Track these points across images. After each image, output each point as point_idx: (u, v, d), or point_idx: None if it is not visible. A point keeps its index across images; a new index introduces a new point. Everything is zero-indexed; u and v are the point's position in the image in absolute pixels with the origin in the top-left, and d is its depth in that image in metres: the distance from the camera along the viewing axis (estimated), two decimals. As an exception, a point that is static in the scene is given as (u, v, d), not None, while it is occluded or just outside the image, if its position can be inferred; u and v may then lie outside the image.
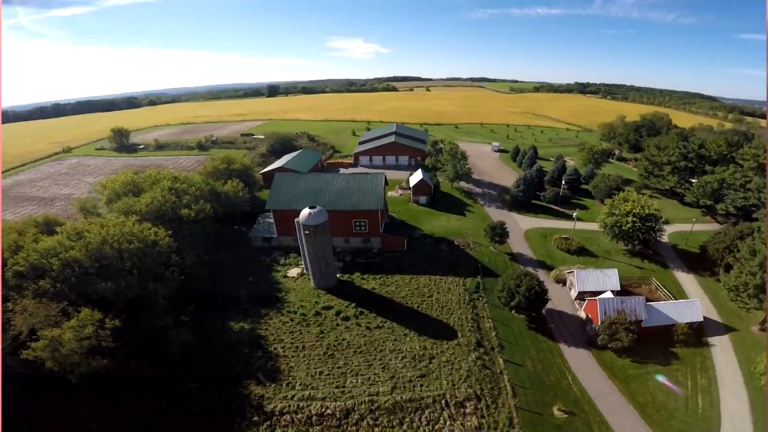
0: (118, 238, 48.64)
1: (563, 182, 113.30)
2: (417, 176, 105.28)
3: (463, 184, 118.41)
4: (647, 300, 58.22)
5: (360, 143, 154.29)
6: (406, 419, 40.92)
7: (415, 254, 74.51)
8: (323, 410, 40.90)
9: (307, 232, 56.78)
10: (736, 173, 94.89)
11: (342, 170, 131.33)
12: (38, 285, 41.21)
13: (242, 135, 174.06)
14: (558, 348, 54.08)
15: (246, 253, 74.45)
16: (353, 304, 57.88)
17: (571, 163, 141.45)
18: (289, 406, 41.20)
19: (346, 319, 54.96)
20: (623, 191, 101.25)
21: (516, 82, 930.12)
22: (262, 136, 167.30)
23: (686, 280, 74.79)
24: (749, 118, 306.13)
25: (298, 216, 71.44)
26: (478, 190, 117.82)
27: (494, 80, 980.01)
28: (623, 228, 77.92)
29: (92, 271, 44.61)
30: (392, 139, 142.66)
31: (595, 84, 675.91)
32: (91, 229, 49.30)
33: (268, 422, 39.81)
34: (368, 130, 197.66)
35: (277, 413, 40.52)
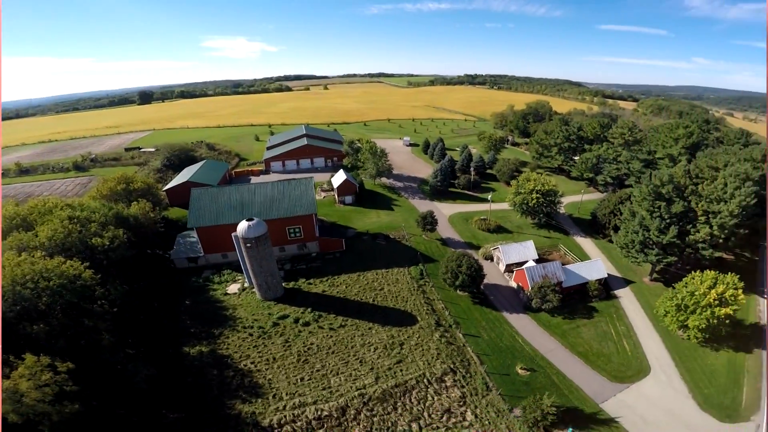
0: (31, 276, 43.51)
1: (472, 169, 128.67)
2: (340, 177, 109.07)
3: (384, 180, 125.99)
4: (562, 264, 71.97)
5: (268, 148, 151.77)
6: (398, 403, 45.60)
7: (355, 252, 78.74)
8: (319, 413, 43.06)
9: (249, 245, 56.79)
10: (609, 149, 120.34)
11: (253, 179, 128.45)
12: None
13: (127, 150, 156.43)
14: (502, 316, 64.15)
15: (172, 277, 70.48)
16: (309, 309, 59.85)
17: (474, 151, 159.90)
18: (285, 416, 42.44)
19: (307, 324, 56.82)
20: (522, 172, 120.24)
21: (412, 76, 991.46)
22: (153, 149, 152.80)
23: (585, 243, 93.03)
24: (610, 101, 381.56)
25: (225, 231, 71.03)
26: (399, 184, 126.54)
27: (392, 75, 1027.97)
28: (530, 204, 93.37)
29: (11, 315, 39.55)
30: (304, 141, 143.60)
31: (482, 75, 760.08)
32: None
33: (271, 436, 40.68)
34: (272, 134, 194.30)
35: (275, 426, 41.54)
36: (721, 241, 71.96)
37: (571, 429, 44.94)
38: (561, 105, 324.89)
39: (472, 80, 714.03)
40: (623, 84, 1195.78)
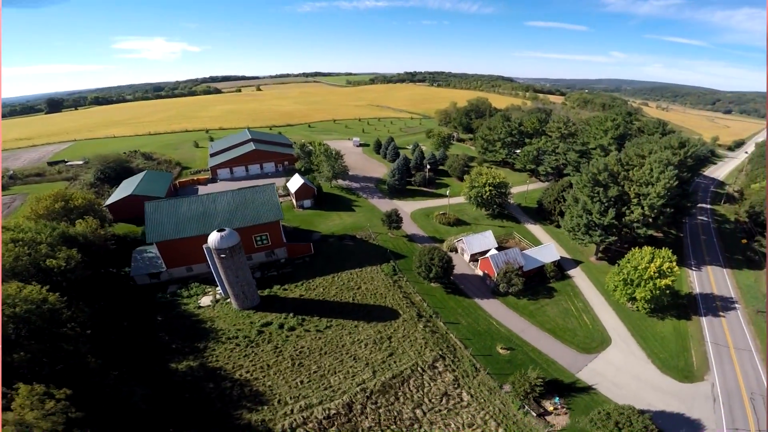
0: None
1: (427, 167, 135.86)
2: (297, 181, 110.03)
3: (341, 182, 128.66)
4: (520, 250, 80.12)
5: (212, 155, 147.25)
6: (399, 393, 49.33)
7: (324, 255, 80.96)
8: (327, 412, 45.27)
9: (223, 255, 57.08)
10: (547, 142, 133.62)
11: (201, 188, 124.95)
12: None
13: (50, 164, 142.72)
14: (475, 303, 70.57)
15: (135, 294, 68.15)
16: (291, 314, 61.31)
17: (424, 149, 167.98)
18: (295, 420, 44.06)
19: (292, 329, 58.38)
20: (471, 167, 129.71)
21: (351, 74, 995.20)
22: (81, 162, 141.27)
23: (534, 229, 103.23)
24: (541, 95, 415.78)
25: (188, 244, 70.35)
26: (356, 185, 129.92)
27: (329, 74, 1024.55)
28: (484, 197, 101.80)
29: None
30: (252, 146, 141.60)
31: (422, 73, 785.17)
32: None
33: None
34: (212, 140, 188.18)
35: (288, 430, 42.98)
36: (651, 220, 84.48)
37: (557, 398, 51.87)
38: (498, 101, 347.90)
39: (412, 78, 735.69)
40: (550, 78, 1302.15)
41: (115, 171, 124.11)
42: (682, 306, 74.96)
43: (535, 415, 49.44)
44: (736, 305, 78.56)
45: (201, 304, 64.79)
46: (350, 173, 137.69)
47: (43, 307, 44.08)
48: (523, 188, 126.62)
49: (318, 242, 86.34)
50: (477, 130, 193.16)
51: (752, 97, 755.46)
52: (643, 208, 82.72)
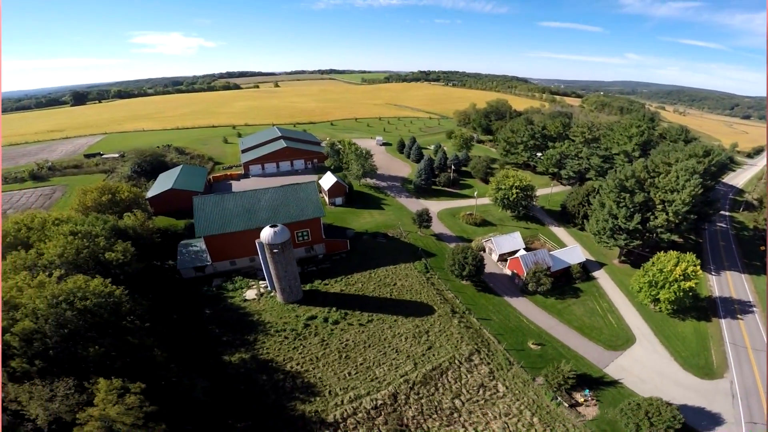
0: (65, 297, 44.26)
1: (452, 167, 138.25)
2: (329, 179, 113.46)
3: (369, 180, 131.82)
4: (547, 251, 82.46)
5: (243, 151, 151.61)
6: (438, 384, 52.62)
7: (359, 252, 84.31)
8: (375, 403, 48.52)
9: (276, 250, 60.58)
10: (570, 147, 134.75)
11: (234, 183, 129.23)
12: (10, 366, 36.17)
13: (87, 156, 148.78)
14: (504, 300, 73.50)
15: (181, 287, 71.63)
16: (333, 309, 64.68)
17: (446, 149, 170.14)
18: (345, 410, 47.32)
19: (336, 322, 61.82)
20: (493, 169, 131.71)
21: (365, 72, 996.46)
22: (116, 155, 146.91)
23: (558, 232, 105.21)
24: (558, 97, 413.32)
25: (233, 238, 74.17)
26: (383, 184, 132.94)
27: (343, 72, 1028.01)
28: (510, 199, 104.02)
29: (57, 338, 40.59)
30: (283, 144, 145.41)
31: (435, 72, 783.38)
32: (23, 295, 43.45)
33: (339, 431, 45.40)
34: (239, 136, 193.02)
35: (340, 420, 46.21)
36: (674, 226, 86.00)
37: (587, 390, 54.64)
38: (516, 102, 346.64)
39: (426, 77, 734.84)
40: (564, 80, 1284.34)
41: (151, 165, 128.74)
42: (702, 308, 76.80)
43: (567, 405, 52.33)
44: (754, 309, 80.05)
45: (246, 297, 68.19)
46: (378, 173, 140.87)
47: (110, 300, 47.43)
48: (547, 191, 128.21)
49: (353, 239, 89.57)
50: (497, 132, 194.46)
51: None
52: (667, 214, 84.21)
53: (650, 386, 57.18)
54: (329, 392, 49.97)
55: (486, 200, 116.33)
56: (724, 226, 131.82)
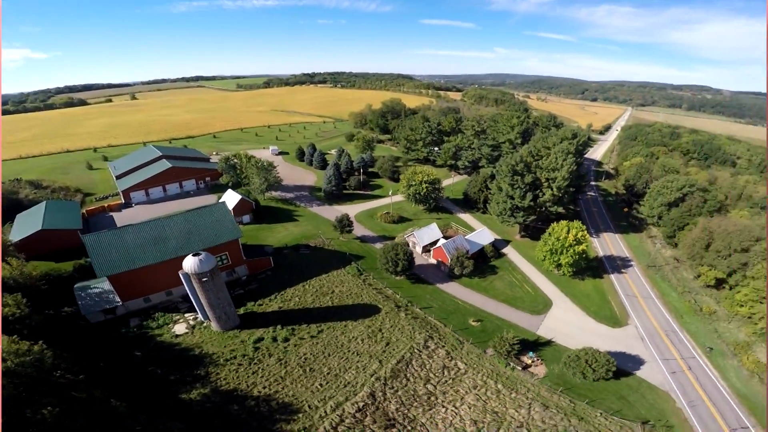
0: None
1: (360, 170, 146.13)
2: (233, 197, 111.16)
3: (274, 193, 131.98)
4: (463, 236, 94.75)
5: (118, 177, 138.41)
6: (407, 374, 58.69)
7: (286, 267, 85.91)
8: (357, 406, 52.17)
9: (205, 279, 59.66)
10: (463, 139, 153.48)
11: (115, 215, 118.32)
12: None
13: None
14: (437, 288, 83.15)
15: (92, 333, 65.97)
16: (278, 327, 65.99)
17: (347, 152, 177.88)
18: (332, 420, 49.97)
19: (286, 340, 63.40)
20: (398, 167, 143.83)
21: (240, 77, 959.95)
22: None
23: (466, 218, 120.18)
24: (442, 92, 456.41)
25: (144, 274, 70.86)
26: (290, 195, 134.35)
27: (214, 78, 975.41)
28: (422, 194, 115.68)
29: None
30: (166, 164, 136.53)
31: (321, 73, 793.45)
32: None
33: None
34: (106, 159, 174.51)
35: (330, 429, 48.63)
36: (559, 199, 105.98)
37: (531, 352, 66.15)
38: (408, 100, 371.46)
39: (311, 79, 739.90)
40: (444, 75, 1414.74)
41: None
42: (594, 267, 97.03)
43: (520, 369, 63.54)
44: (632, 262, 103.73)
45: (177, 333, 65.58)
46: (281, 184, 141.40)
47: (28, 358, 43.22)
48: (449, 182, 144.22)
49: (274, 255, 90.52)
50: (395, 131, 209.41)
51: (612, 86, 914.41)
52: (552, 189, 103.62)
53: (577, 340, 71.31)
54: (309, 407, 52.39)
55: (399, 197, 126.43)
56: (593, 194, 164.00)
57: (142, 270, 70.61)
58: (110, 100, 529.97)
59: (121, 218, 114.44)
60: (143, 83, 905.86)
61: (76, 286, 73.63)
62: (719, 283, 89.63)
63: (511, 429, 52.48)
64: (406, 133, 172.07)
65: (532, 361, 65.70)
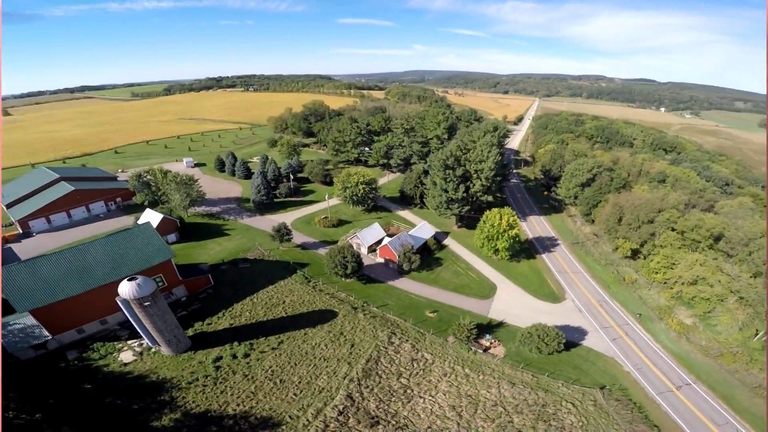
0: None
1: (291, 177, 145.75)
2: (154, 216, 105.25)
3: (198, 209, 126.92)
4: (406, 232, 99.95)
5: (9, 206, 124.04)
6: (379, 371, 62.07)
7: (227, 283, 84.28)
8: (337, 409, 54.27)
9: (147, 303, 57.40)
10: (394, 138, 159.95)
11: (13, 245, 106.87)
12: None
13: None
14: (389, 285, 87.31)
15: (25, 370, 61.22)
16: (235, 343, 65.51)
17: (271, 158, 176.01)
18: (317, 427, 51.47)
19: (247, 355, 63.25)
20: (329, 170, 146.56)
21: (134, 85, 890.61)
22: None
23: (404, 214, 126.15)
24: (365, 92, 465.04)
25: (71, 305, 67.33)
26: (216, 209, 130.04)
27: (102, 87, 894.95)
28: (359, 195, 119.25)
29: None
30: (67, 186, 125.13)
31: (229, 77, 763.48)
32: None
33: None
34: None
35: None
36: (487, 189, 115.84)
37: (488, 335, 72.31)
38: (330, 101, 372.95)
39: (218, 83, 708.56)
40: (364, 74, 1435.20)
41: None
42: (527, 249, 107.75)
43: (482, 351, 69.73)
44: (558, 241, 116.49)
45: (125, 361, 62.87)
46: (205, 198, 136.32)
47: None
48: (383, 180, 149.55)
49: (211, 272, 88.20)
50: (320, 134, 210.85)
51: (520, 78, 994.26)
52: (481, 180, 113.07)
53: (525, 318, 79.23)
54: (289, 417, 53.39)
55: (335, 201, 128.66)
56: (516, 181, 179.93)
57: (68, 301, 66.52)
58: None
59: (21, 249, 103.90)
60: (15, 97, 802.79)
61: (-11, 325, 66.37)
62: (635, 254, 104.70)
63: (487, 408, 58.06)
64: (333, 135, 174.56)
65: (491, 343, 72.24)
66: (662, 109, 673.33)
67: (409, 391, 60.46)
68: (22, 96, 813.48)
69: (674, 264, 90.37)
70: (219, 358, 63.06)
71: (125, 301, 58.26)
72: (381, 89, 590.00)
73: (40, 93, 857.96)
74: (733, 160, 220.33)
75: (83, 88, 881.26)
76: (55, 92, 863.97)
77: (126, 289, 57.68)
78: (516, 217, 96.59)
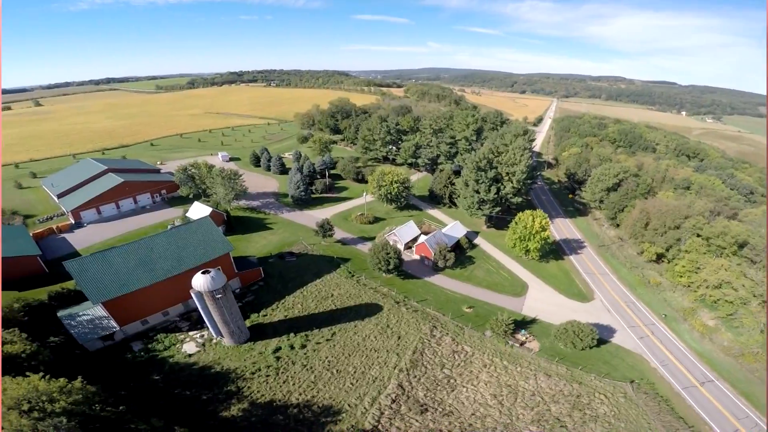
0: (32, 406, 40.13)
1: (326, 173, 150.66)
2: (203, 209, 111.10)
3: (240, 203, 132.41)
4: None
5: (60, 196, 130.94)
6: (424, 362, 66.71)
7: (276, 276, 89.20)
8: (390, 397, 58.97)
9: (219, 295, 62.27)
10: (422, 138, 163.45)
11: (67, 236, 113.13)
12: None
13: None
14: (426, 281, 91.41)
15: (95, 361, 65.58)
16: (291, 334, 70.24)
17: (303, 155, 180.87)
18: (373, 414, 56.25)
19: (303, 346, 67.89)
20: (359, 167, 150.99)
21: (158, 78, 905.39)
22: None
23: (435, 213, 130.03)
24: (384, 89, 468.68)
25: (138, 297, 71.93)
26: (256, 203, 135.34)
27: (126, 79, 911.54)
28: (393, 193, 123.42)
29: None
30: (116, 178, 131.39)
31: (249, 72, 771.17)
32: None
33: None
34: (35, 176, 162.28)
35: (375, 422, 54.95)
36: (517, 191, 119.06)
37: (523, 330, 76.33)
38: (355, 99, 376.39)
39: (239, 78, 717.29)
40: (379, 70, 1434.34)
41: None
42: (555, 251, 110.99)
43: (518, 346, 73.87)
44: (585, 243, 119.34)
45: (188, 352, 67.10)
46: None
47: (79, 397, 44.10)
48: (412, 179, 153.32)
49: (261, 265, 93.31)
50: (346, 131, 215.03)
51: (538, 78, 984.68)
52: (513, 182, 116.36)
53: (557, 315, 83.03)
54: (348, 405, 57.96)
55: (369, 198, 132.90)
56: (540, 183, 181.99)
57: (137, 293, 70.97)
58: (9, 108, 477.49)
59: (75, 240, 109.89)
60: (44, 87, 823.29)
61: (60, 314, 71.93)
62: (659, 258, 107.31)
63: (526, 397, 62.39)
64: (363, 133, 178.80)
65: (526, 338, 76.19)
66: (683, 113, 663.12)
67: (452, 380, 64.76)
68: (50, 87, 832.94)
69: (699, 268, 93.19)
70: (278, 349, 67.44)
71: (198, 294, 63.07)
72: (399, 86, 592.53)
73: (67, 84, 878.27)
74: (756, 168, 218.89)
75: (108, 80, 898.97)
76: (81, 83, 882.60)
77: (200, 281, 62.47)
78: (548, 219, 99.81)
